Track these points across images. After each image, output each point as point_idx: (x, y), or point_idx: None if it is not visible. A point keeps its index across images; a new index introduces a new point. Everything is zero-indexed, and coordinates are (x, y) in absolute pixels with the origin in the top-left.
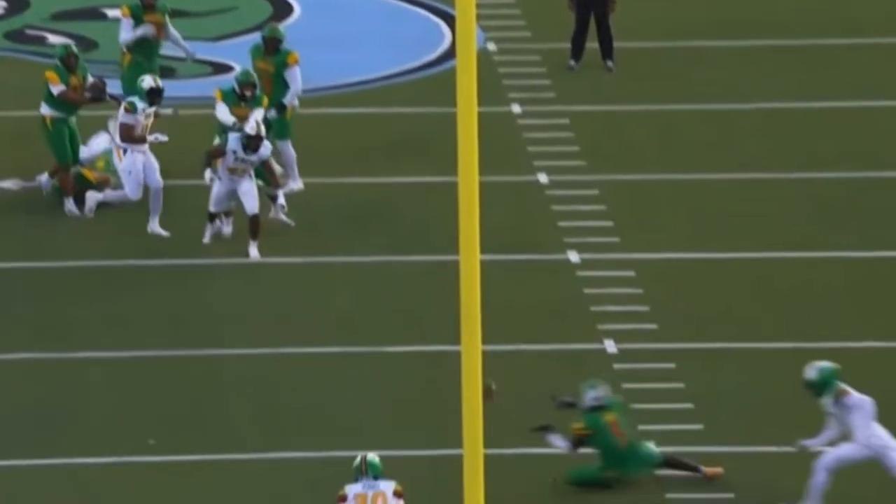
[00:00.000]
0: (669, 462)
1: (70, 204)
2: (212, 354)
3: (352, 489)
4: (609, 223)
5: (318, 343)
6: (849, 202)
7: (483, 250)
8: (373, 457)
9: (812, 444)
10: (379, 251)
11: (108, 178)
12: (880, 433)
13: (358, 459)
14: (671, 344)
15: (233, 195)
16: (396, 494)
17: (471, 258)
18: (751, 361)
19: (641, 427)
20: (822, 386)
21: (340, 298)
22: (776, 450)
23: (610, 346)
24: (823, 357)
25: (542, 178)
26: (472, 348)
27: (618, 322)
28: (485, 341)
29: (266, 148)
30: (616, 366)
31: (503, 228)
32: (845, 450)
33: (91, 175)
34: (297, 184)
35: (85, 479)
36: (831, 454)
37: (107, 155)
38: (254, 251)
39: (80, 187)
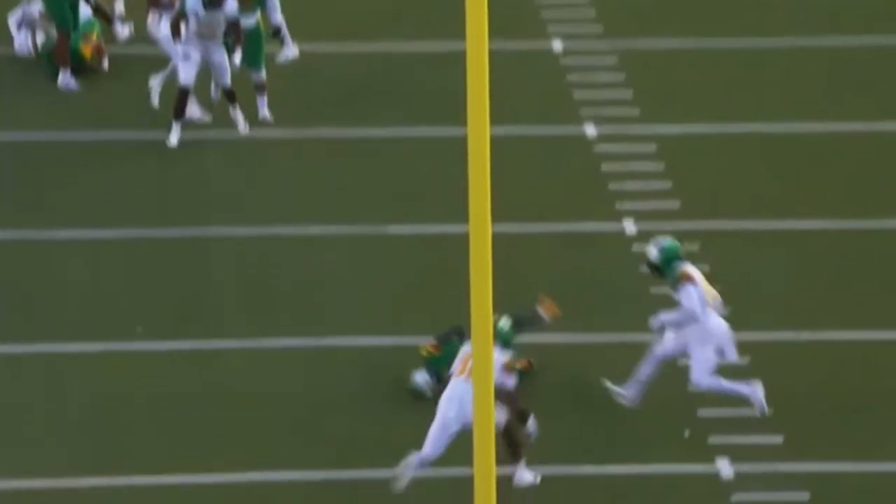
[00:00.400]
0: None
1: (66, 77)
2: (201, 235)
3: (465, 349)
4: (628, 94)
5: (313, 222)
6: (872, 69)
7: (493, 122)
8: (504, 322)
9: (662, 320)
10: (382, 124)
11: (103, 48)
12: (715, 327)
13: None
14: (695, 223)
15: (206, 64)
16: (507, 368)
17: (479, 133)
18: (779, 241)
19: (660, 311)
20: (663, 266)
21: (338, 175)
22: (796, 337)
23: (629, 226)
24: (854, 236)
25: (557, 45)
26: (480, 232)
27: (638, 200)
28: (494, 220)
29: (232, 5)
30: (636, 247)
31: (514, 99)
32: (673, 346)
33: (87, 50)
34: (291, 51)
35: (62, 368)
36: (667, 347)
37: (95, 23)
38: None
39: (76, 63)
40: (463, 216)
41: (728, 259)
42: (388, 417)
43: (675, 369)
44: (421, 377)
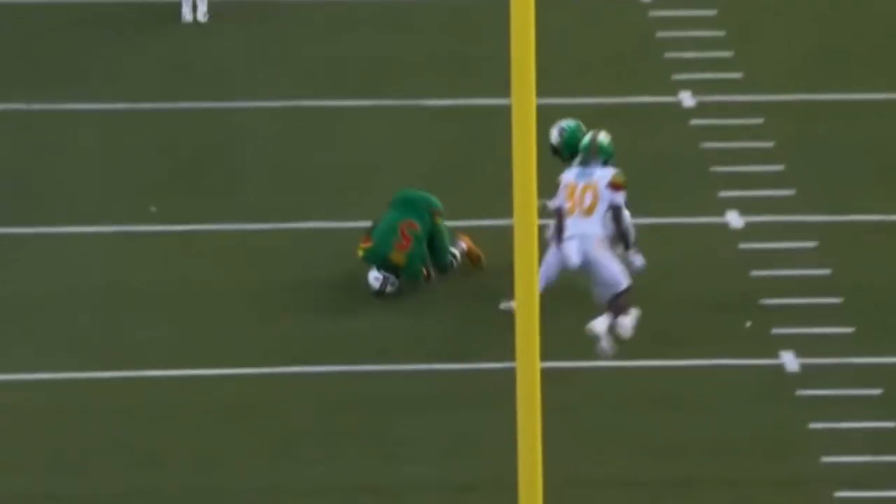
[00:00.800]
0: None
1: None
2: (219, 108)
3: (566, 176)
4: None
5: (343, 95)
6: None
7: None
8: (604, 136)
9: (551, 204)
10: None
11: None
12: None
13: (588, 138)
14: (758, 96)
15: None
16: (613, 186)
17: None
18: (846, 113)
19: (723, 194)
20: (564, 149)
21: (371, 44)
22: (867, 219)
23: (687, 98)
24: None
25: None
26: (524, 105)
27: (696, 71)
28: (539, 93)
29: None
30: (693, 121)
31: None
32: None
33: None
34: None
35: (73, 250)
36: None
37: None
38: None
39: None
40: (506, 89)
41: (793, 134)
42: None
43: (735, 257)
44: (372, 275)
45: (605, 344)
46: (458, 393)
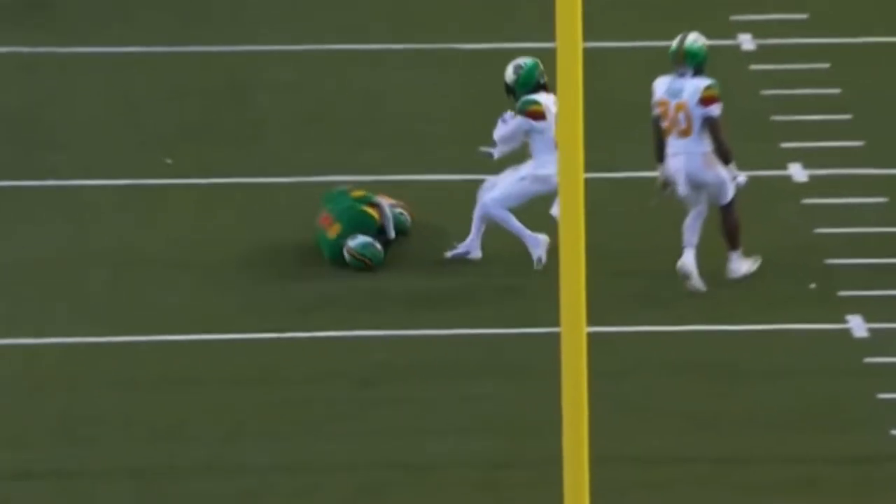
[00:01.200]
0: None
1: None
2: (238, 52)
3: (658, 88)
4: None
5: (371, 38)
6: None
7: None
8: (694, 40)
9: (488, 151)
10: None
11: None
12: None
13: (676, 42)
14: (824, 38)
15: None
16: (704, 101)
17: None
18: None
19: (785, 145)
20: (518, 88)
21: None
22: None
23: (746, 41)
24: None
25: None
26: (570, 48)
27: (756, 11)
28: (587, 37)
29: None
30: (753, 66)
31: None
32: (511, 183)
33: None
34: None
35: (82, 206)
36: (498, 191)
37: None
38: None
39: None
40: (550, 33)
41: (861, 81)
42: None
43: (797, 213)
44: (354, 243)
45: (697, 282)
46: (494, 361)
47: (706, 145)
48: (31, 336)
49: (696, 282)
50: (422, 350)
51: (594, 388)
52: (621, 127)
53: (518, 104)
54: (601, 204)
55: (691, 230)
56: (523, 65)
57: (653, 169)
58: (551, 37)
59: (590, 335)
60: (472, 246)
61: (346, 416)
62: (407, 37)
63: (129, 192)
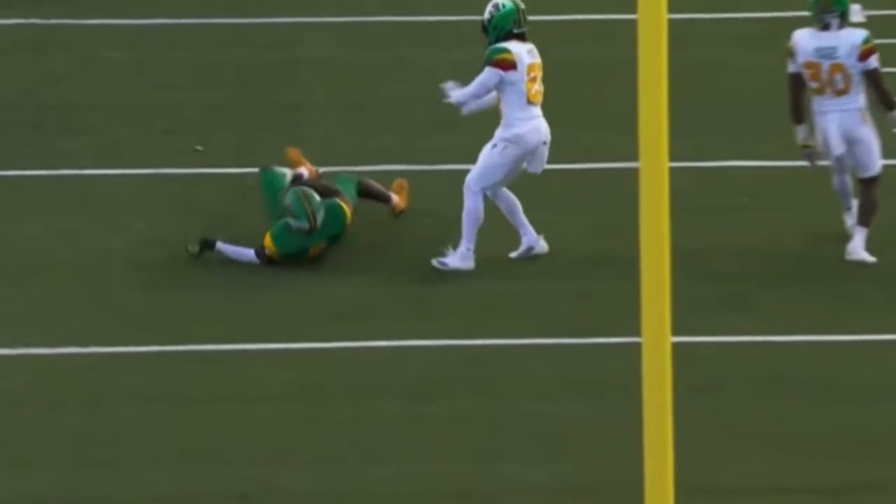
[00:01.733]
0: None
1: None
2: (276, 24)
3: (802, 46)
4: None
5: (426, 10)
6: None
7: None
8: None
9: (451, 92)
10: None
11: None
12: (530, 127)
13: None
14: None
15: None
16: (863, 57)
17: None
18: None
19: None
20: (491, 30)
21: None
22: None
23: (856, 11)
24: None
25: None
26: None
27: None
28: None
29: None
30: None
31: None
32: (485, 155)
33: None
34: None
35: (102, 198)
36: (475, 168)
37: None
38: None
39: None
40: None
41: None
42: None
43: None
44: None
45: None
46: (563, 375)
47: (861, 100)
48: (42, 345)
49: (860, 253)
50: (482, 362)
51: (679, 405)
52: (708, 110)
53: (486, 53)
54: (683, 197)
55: (844, 192)
56: (501, 6)
57: (739, 158)
58: (631, 7)
59: (674, 346)
60: (530, 240)
61: (398, 437)
62: (464, 7)
63: (154, 182)
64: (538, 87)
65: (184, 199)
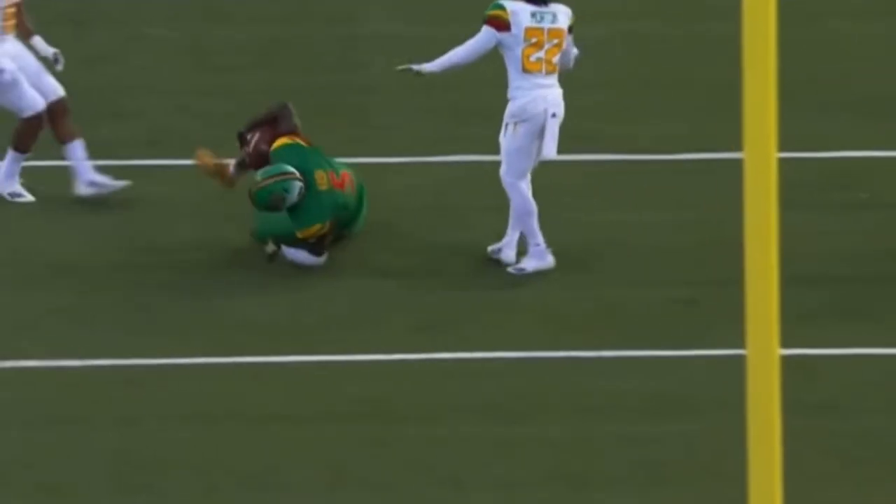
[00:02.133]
0: None
1: None
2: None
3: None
4: None
5: None
6: None
7: None
8: None
9: (419, 67)
10: None
11: None
12: (530, 97)
13: None
14: None
15: None
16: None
17: None
18: None
19: None
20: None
21: None
22: None
23: None
24: None
25: None
26: None
27: None
28: None
29: None
30: None
31: None
32: (502, 140)
33: None
34: None
35: (148, 196)
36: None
37: None
38: None
39: None
40: None
41: None
42: None
43: None
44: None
45: None
46: (657, 391)
47: None
48: (77, 357)
49: None
50: (566, 378)
51: (788, 424)
52: (821, 91)
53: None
54: (794, 191)
55: None
56: None
57: (858, 147)
58: None
59: (783, 358)
60: (507, 250)
61: (477, 461)
62: None
63: (204, 179)
64: (539, 55)
65: (236, 194)
